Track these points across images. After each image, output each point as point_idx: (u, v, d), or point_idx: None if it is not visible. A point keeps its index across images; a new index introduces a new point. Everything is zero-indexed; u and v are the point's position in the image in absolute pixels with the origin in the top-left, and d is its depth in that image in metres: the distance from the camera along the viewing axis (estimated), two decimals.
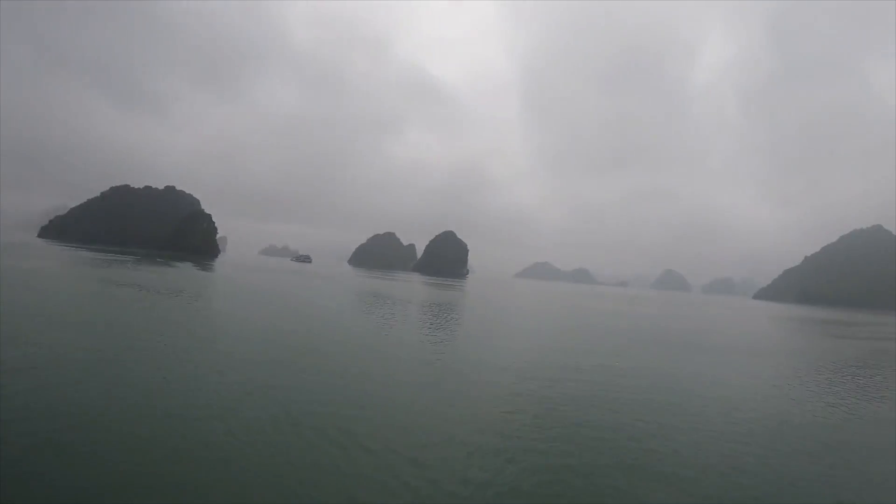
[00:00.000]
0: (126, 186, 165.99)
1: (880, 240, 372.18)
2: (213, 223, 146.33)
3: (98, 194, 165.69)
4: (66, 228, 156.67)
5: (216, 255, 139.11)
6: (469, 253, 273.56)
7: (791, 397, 16.07)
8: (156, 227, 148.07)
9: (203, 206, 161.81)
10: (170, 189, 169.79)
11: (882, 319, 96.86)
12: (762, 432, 11.73)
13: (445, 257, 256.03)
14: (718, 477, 8.79)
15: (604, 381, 16.12)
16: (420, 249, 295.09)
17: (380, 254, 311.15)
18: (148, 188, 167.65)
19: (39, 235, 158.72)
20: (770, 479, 8.90)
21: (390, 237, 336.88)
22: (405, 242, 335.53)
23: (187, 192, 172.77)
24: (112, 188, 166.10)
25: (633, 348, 25.27)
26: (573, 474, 8.32)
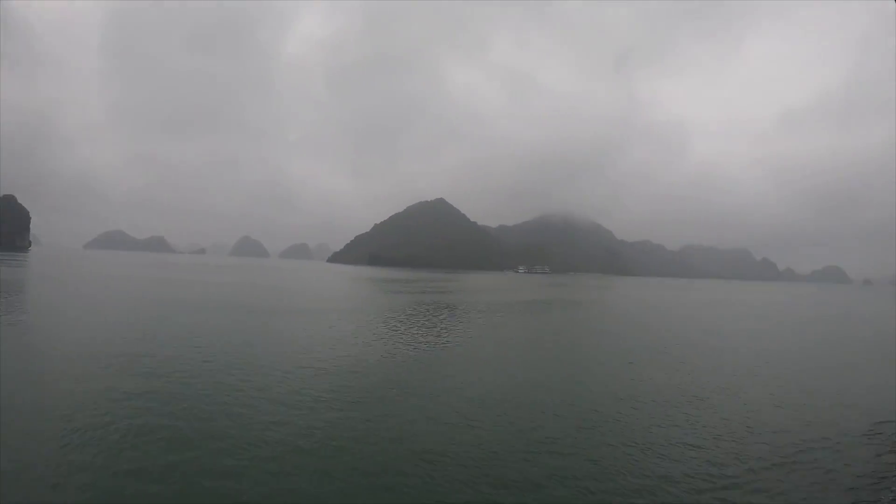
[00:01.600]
0: None
1: (441, 210, 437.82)
2: None
3: None
4: None
5: None
6: (31, 221, 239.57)
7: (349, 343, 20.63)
8: None
9: None
10: None
11: (437, 276, 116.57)
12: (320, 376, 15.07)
13: (2, 227, 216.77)
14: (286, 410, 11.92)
15: (171, 351, 17.79)
16: None
17: None
18: None
19: None
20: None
21: None
22: None
23: None
24: None
25: (208, 318, 27.39)
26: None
